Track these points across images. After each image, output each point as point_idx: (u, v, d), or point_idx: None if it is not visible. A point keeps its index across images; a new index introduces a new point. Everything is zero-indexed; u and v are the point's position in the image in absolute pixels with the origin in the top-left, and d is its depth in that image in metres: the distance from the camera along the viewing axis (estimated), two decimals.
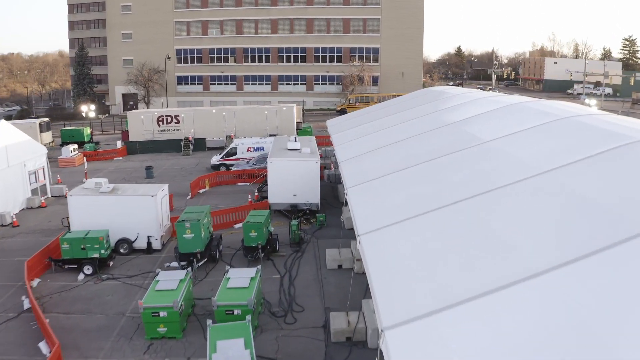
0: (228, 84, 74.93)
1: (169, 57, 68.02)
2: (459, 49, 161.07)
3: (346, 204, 14.52)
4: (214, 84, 75.16)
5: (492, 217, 10.19)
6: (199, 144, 43.50)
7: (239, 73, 74.17)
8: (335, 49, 72.62)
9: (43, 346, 13.52)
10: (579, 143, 12.63)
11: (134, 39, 75.20)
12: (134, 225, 19.22)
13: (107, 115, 64.65)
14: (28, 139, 29.17)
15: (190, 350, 13.04)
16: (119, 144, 43.82)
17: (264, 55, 73.62)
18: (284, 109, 45.56)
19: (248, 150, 34.45)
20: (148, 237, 19.38)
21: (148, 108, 68.18)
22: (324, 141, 37.81)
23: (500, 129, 15.96)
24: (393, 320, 7.43)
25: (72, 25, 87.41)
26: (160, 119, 43.61)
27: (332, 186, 28.71)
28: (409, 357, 6.49)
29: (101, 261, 18.01)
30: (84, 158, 37.83)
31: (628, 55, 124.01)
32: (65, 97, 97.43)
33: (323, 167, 28.14)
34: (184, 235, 17.19)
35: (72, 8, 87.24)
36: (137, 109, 66.67)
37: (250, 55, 73.98)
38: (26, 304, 15.99)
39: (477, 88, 64.41)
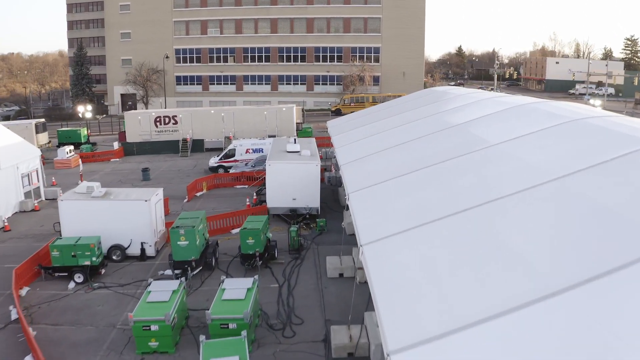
0: (227, 84, 74.27)
1: (167, 57, 67.35)
2: (459, 48, 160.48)
3: (347, 208, 13.85)
4: (214, 84, 74.49)
5: (504, 227, 9.53)
6: (197, 145, 42.80)
7: (239, 73, 73.50)
8: (336, 48, 71.93)
9: None
10: (592, 147, 12.00)
11: (133, 39, 74.55)
12: (127, 231, 18.52)
13: (104, 115, 63.96)
14: (21, 141, 28.51)
15: None
16: (116, 145, 43.14)
17: (263, 55, 72.96)
18: (284, 109, 44.87)
19: (247, 151, 33.75)
20: (142, 243, 18.69)
21: (147, 108, 67.53)
22: (324, 142, 37.14)
23: (509, 131, 15.32)
24: (399, 343, 6.81)
25: (71, 25, 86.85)
26: (158, 119, 42.95)
27: (332, 189, 27.99)
28: None
29: (92, 269, 17.29)
30: (80, 160, 37.12)
31: (630, 55, 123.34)
32: (64, 97, 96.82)
33: (323, 169, 27.46)
34: (178, 243, 16.49)
35: (70, 8, 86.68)
36: (136, 109, 66.03)
37: (249, 55, 73.31)
38: (14, 314, 15.32)
39: (479, 88, 63.76)
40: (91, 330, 14.29)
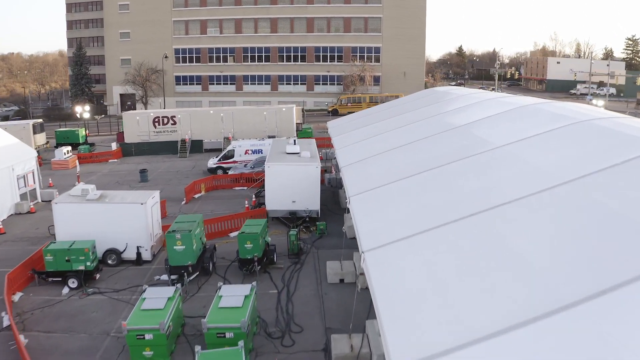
0: (227, 84, 73.84)
1: (166, 57, 66.87)
2: (460, 48, 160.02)
3: (348, 211, 13.46)
4: (213, 84, 74.05)
5: (513, 234, 9.12)
6: (196, 146, 42.36)
7: (238, 73, 73.08)
8: (336, 48, 71.49)
9: None
10: (601, 149, 11.61)
11: (132, 39, 74.12)
12: (123, 235, 18.10)
13: (103, 116, 63.54)
14: (17, 142, 28.11)
15: None
16: (114, 145, 42.72)
17: (263, 54, 72.53)
18: (284, 109, 44.43)
19: (246, 152, 33.30)
20: (137, 247, 18.26)
21: (146, 108, 67.11)
22: (324, 143, 36.74)
23: (513, 132, 14.94)
24: (404, 358, 6.42)
25: (70, 25, 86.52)
26: (157, 120, 42.51)
27: (333, 191, 27.56)
28: None
29: (87, 274, 16.87)
30: (77, 160, 36.70)
31: (631, 55, 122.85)
32: (64, 97, 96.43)
33: (324, 171, 27.04)
34: (175, 247, 16.06)
35: (70, 7, 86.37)
36: (135, 109, 65.63)
37: (249, 54, 72.87)
38: (6, 321, 14.90)
39: (480, 88, 63.34)
40: (84, 338, 13.88)
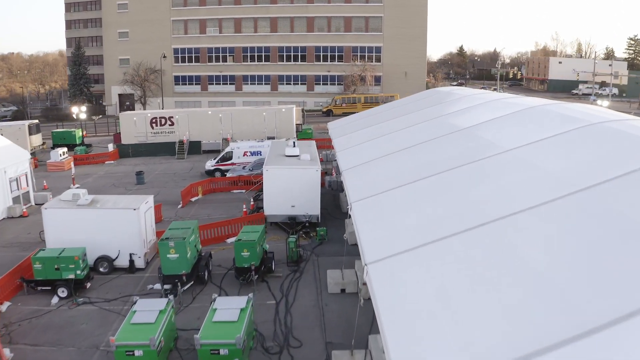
0: (227, 84, 73.16)
1: (164, 57, 66.13)
2: (461, 48, 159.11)
3: (349, 216, 12.80)
4: (212, 84, 73.37)
5: (527, 246, 8.47)
6: (194, 147, 41.65)
7: (238, 73, 72.39)
8: (337, 48, 70.79)
9: None
10: (618, 154, 10.94)
11: (131, 38, 73.45)
12: (115, 242, 17.40)
13: (100, 116, 62.81)
14: (9, 144, 27.44)
15: None
16: (111, 146, 42.03)
17: (263, 54, 71.83)
18: (283, 110, 43.72)
19: (244, 154, 32.58)
20: (130, 254, 17.56)
21: (144, 109, 66.45)
22: (325, 144, 36.10)
23: (523, 135, 14.27)
24: None
25: (69, 24, 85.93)
26: (154, 120, 41.83)
27: (333, 194, 26.85)
28: None
29: (77, 282, 16.17)
30: (72, 162, 36.01)
31: (633, 55, 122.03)
32: (63, 97, 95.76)
33: (324, 173, 26.35)
34: (168, 256, 15.36)
35: (69, 7, 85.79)
36: (134, 109, 64.95)
37: (249, 54, 72.17)
38: None
39: (481, 88, 62.65)
40: (72, 352, 13.21)
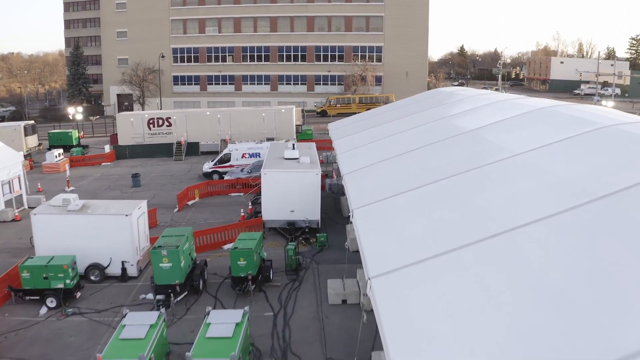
0: (226, 84, 72.44)
1: (163, 56, 65.45)
2: (461, 48, 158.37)
3: (351, 222, 12.14)
4: (212, 84, 72.64)
5: (544, 260, 7.87)
6: (192, 149, 40.97)
7: (237, 73, 71.66)
8: (337, 47, 70.04)
9: None
10: (635, 159, 10.29)
11: (129, 38, 72.74)
12: (107, 249, 16.72)
13: (98, 117, 62.07)
14: (1, 146, 26.75)
15: None
16: (107, 148, 41.34)
17: (263, 54, 71.10)
18: (283, 110, 43.01)
19: (243, 156, 31.87)
20: (122, 262, 16.88)
21: (143, 109, 65.76)
22: (325, 145, 35.40)
23: (532, 138, 13.63)
24: None
25: (68, 24, 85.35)
26: (151, 121, 41.12)
27: (334, 197, 26.11)
28: None
29: (67, 292, 15.49)
30: (67, 164, 35.29)
31: (635, 55, 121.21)
32: (61, 97, 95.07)
33: (324, 176, 25.64)
34: (161, 265, 14.67)
35: (67, 6, 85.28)
36: (132, 110, 64.24)
37: (249, 54, 71.43)
38: None
39: (482, 88, 61.94)
40: None
